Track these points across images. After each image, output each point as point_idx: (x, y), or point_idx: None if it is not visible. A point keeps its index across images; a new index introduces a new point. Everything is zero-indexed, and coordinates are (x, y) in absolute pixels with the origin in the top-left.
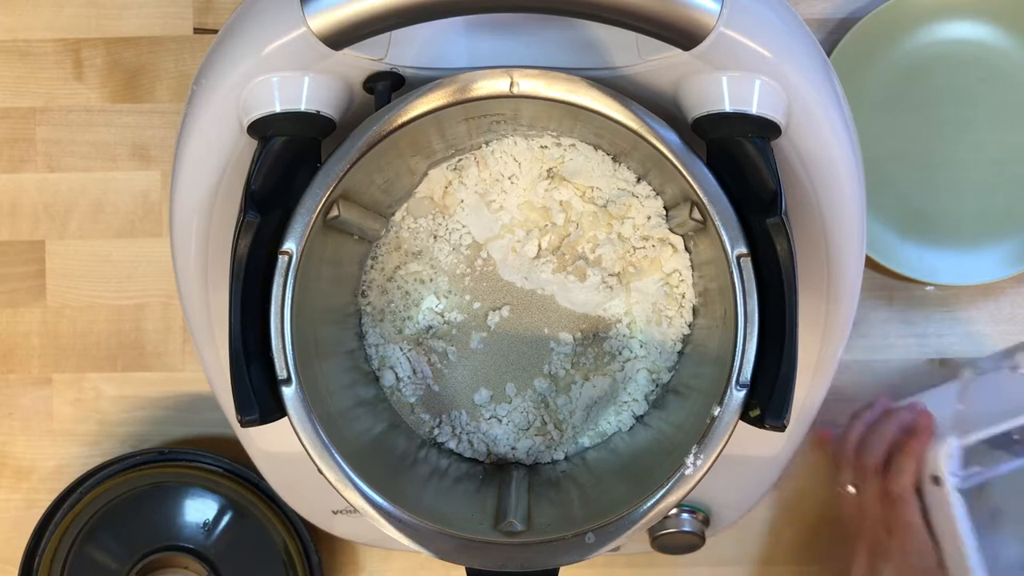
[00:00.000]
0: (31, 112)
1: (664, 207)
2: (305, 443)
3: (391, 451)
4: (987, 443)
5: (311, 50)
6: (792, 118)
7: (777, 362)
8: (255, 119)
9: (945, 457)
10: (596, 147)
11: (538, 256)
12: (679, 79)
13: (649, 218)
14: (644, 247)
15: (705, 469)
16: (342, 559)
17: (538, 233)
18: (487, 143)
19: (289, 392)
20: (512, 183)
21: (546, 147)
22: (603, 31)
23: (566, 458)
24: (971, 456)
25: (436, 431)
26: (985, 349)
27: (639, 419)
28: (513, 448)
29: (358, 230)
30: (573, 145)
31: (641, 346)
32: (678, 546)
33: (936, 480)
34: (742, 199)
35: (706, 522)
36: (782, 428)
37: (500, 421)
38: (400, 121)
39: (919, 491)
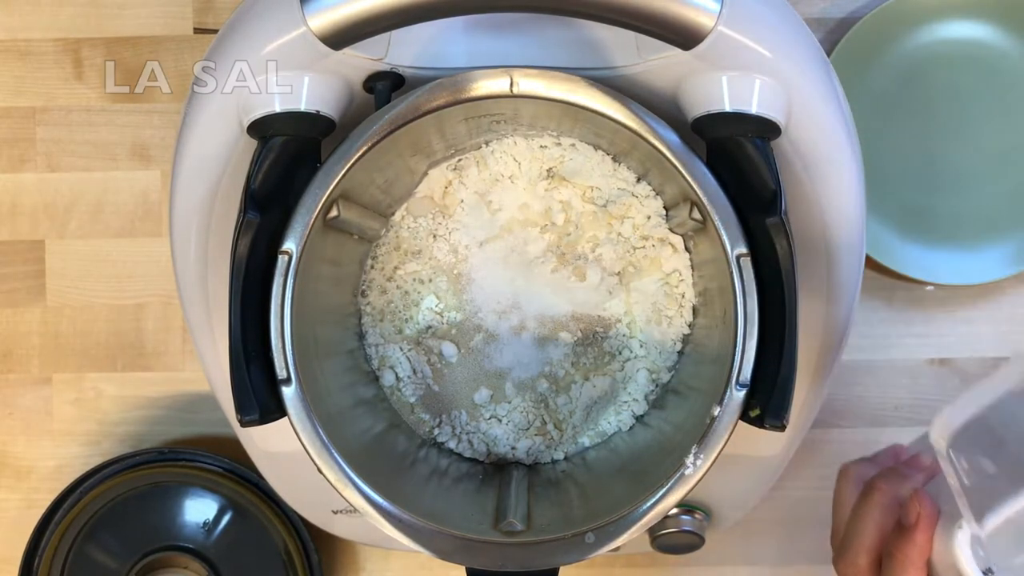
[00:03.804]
0: (31, 112)
1: (664, 207)
2: (305, 443)
3: (391, 451)
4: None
5: (311, 50)
6: (792, 118)
7: (777, 362)
8: (255, 119)
9: (965, 553)
10: (596, 147)
11: (538, 256)
12: (679, 79)
13: (649, 218)
14: (644, 247)
15: (705, 469)
16: (342, 559)
17: (538, 233)
18: (487, 143)
19: (289, 392)
20: (512, 183)
21: (546, 147)
22: (603, 31)
23: (566, 458)
24: (1004, 536)
25: (436, 431)
26: (985, 349)
27: (639, 419)
28: (513, 448)
29: (358, 230)
30: (573, 145)
31: (641, 346)
32: (678, 546)
33: None
34: (742, 199)
35: (706, 522)
36: (782, 428)
37: (500, 421)
38: (400, 121)
39: None
